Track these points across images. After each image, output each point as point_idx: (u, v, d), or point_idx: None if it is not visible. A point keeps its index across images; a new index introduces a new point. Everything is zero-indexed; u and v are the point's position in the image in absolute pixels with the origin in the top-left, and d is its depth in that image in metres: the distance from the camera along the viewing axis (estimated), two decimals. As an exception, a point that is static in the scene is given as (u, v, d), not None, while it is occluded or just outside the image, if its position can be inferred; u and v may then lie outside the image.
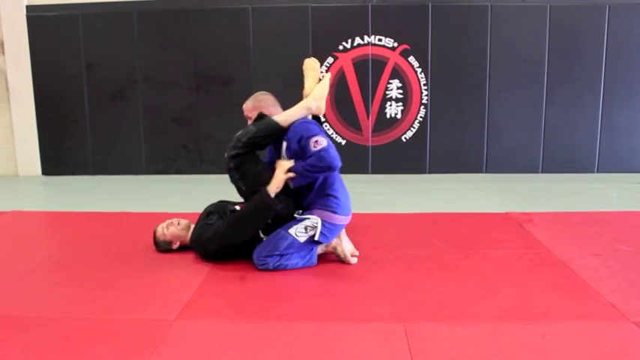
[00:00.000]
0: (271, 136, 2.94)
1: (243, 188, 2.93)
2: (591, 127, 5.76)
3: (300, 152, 2.88)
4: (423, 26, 5.69)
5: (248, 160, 2.90)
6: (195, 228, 3.13)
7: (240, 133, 2.93)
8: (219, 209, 3.15)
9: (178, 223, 3.21)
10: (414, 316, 2.37)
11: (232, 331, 2.25)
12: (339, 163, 2.87)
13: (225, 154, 2.92)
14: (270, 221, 2.90)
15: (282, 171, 2.86)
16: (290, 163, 2.87)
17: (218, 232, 2.94)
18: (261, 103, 3.11)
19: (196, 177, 5.92)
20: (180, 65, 5.90)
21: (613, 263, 2.95)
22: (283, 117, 2.97)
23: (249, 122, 3.10)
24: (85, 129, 6.06)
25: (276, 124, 2.92)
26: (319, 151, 2.83)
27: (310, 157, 2.83)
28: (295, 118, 2.97)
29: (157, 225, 3.25)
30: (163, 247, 3.22)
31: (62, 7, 5.91)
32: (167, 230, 3.18)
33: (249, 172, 2.89)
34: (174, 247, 3.21)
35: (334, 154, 2.86)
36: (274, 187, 2.84)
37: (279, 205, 2.84)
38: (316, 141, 2.86)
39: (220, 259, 2.99)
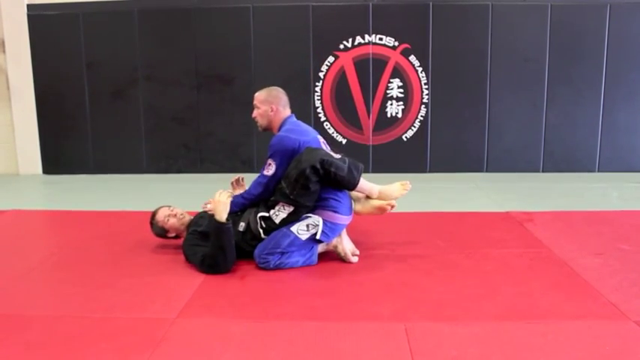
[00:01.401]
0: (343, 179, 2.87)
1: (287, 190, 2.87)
2: (592, 126, 5.75)
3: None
4: (423, 25, 5.69)
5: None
6: (186, 236, 3.08)
7: (334, 159, 2.83)
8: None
9: (182, 216, 3.18)
10: (415, 315, 2.37)
11: (233, 329, 2.25)
12: (267, 197, 2.98)
13: (311, 164, 2.79)
14: (263, 227, 2.94)
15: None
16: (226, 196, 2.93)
17: (201, 262, 2.89)
18: (274, 100, 3.10)
19: (197, 176, 5.93)
20: (181, 64, 5.90)
21: (614, 262, 2.95)
22: (364, 185, 3.01)
23: (255, 111, 3.12)
24: (85, 128, 6.07)
25: (357, 177, 2.92)
26: (260, 177, 2.98)
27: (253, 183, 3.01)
28: (364, 188, 3.02)
29: (161, 207, 3.23)
30: (157, 231, 3.20)
31: (63, 5, 5.91)
32: (168, 220, 3.16)
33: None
34: (169, 235, 3.21)
35: (269, 187, 2.96)
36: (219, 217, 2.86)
37: (229, 222, 2.86)
38: (269, 164, 2.96)
39: None
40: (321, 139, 3.12)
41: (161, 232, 3.20)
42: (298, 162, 2.82)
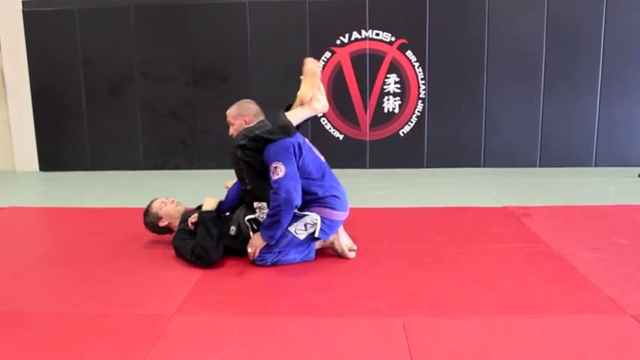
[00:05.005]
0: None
1: (247, 183, 2.88)
2: (589, 120, 5.76)
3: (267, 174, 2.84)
4: (420, 20, 5.68)
5: (255, 157, 2.84)
6: (175, 232, 3.11)
7: (254, 125, 2.89)
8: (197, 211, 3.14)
9: (177, 204, 3.23)
10: (413, 310, 2.37)
11: (231, 325, 2.25)
12: (295, 198, 2.77)
13: (235, 143, 2.86)
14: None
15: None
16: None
17: (191, 252, 2.91)
18: (245, 112, 3.10)
19: (194, 172, 5.92)
20: (178, 60, 5.88)
21: (611, 257, 2.96)
22: (292, 117, 2.90)
23: (231, 129, 3.10)
24: (82, 124, 6.05)
25: (290, 125, 2.85)
26: (274, 182, 2.77)
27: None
28: (302, 119, 2.96)
29: (156, 199, 3.26)
30: (151, 219, 3.20)
31: (58, 2, 5.89)
32: (163, 207, 3.19)
33: (254, 167, 2.85)
34: (161, 224, 3.19)
35: (290, 186, 2.76)
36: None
37: (212, 212, 3.01)
38: (275, 167, 2.77)
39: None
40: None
41: (154, 219, 3.19)
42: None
